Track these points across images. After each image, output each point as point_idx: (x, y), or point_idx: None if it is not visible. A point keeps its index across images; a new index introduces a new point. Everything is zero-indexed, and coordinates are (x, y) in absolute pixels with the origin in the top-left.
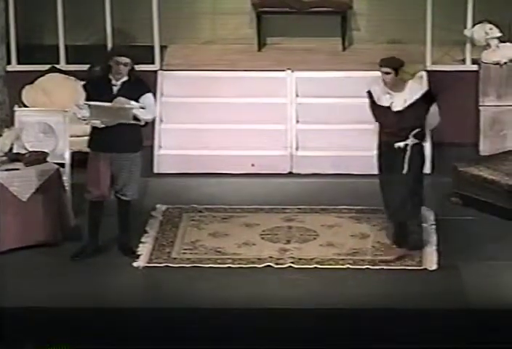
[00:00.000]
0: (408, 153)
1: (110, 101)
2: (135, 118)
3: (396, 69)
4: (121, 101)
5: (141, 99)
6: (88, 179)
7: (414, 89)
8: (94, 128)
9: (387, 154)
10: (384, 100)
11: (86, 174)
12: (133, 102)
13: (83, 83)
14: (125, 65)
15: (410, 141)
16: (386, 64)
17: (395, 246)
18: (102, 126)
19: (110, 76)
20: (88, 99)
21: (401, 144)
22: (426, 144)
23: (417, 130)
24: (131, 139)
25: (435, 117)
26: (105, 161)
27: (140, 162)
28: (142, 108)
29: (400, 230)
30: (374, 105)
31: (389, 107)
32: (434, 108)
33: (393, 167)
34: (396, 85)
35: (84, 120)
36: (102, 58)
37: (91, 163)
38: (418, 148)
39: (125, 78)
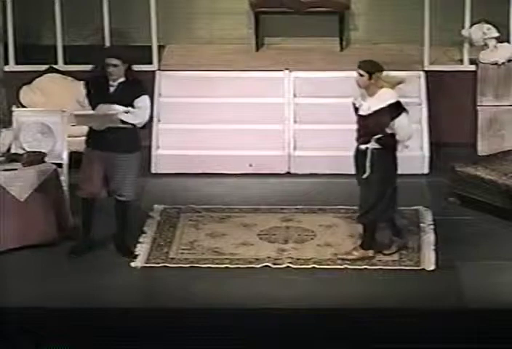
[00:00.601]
0: (368, 157)
1: (106, 101)
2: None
3: (369, 73)
4: (103, 108)
5: (135, 102)
6: (81, 176)
7: (383, 98)
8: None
9: (357, 155)
10: (357, 102)
11: (79, 171)
12: (117, 107)
13: (84, 81)
14: (114, 66)
15: (371, 145)
16: (361, 66)
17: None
18: (96, 128)
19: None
20: (88, 96)
21: (363, 147)
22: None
23: (379, 136)
24: (127, 140)
25: (403, 131)
26: (99, 160)
27: (137, 164)
28: (127, 112)
29: (366, 232)
30: (353, 105)
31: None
32: (401, 121)
33: (359, 169)
34: (370, 89)
35: (73, 125)
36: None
37: (85, 160)
38: (381, 154)
39: (122, 79)
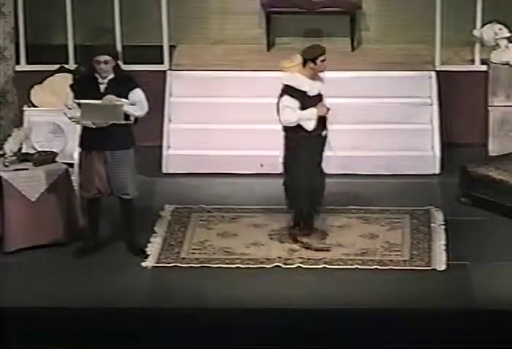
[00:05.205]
0: (326, 142)
1: (99, 99)
2: (126, 117)
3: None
4: (110, 98)
5: (130, 95)
6: (82, 178)
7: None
8: (84, 127)
9: (313, 143)
10: (311, 90)
11: (79, 173)
12: (123, 99)
13: (70, 84)
14: (105, 62)
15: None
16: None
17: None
18: (93, 126)
19: (97, 75)
20: (77, 99)
21: (325, 132)
22: None
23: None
24: (122, 136)
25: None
26: (98, 159)
27: (133, 159)
28: (133, 105)
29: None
30: (307, 96)
31: None
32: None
33: (315, 156)
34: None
35: (75, 121)
36: (87, 58)
37: (84, 162)
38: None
39: (111, 76)
